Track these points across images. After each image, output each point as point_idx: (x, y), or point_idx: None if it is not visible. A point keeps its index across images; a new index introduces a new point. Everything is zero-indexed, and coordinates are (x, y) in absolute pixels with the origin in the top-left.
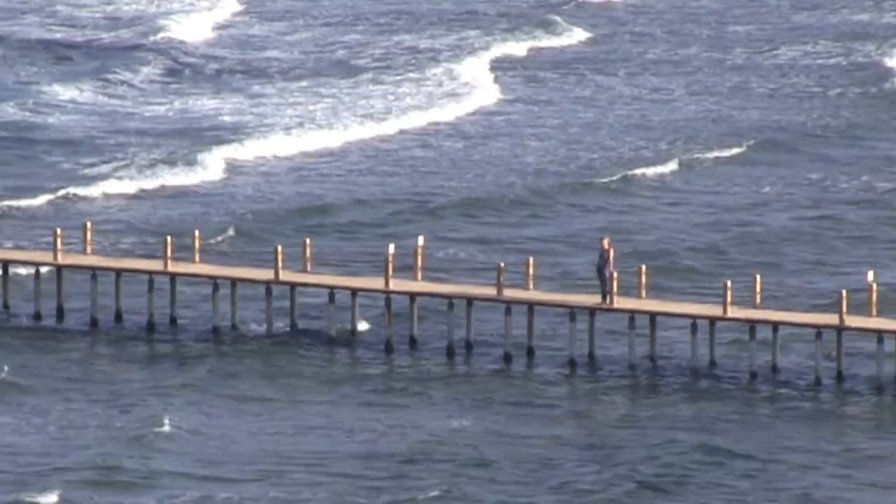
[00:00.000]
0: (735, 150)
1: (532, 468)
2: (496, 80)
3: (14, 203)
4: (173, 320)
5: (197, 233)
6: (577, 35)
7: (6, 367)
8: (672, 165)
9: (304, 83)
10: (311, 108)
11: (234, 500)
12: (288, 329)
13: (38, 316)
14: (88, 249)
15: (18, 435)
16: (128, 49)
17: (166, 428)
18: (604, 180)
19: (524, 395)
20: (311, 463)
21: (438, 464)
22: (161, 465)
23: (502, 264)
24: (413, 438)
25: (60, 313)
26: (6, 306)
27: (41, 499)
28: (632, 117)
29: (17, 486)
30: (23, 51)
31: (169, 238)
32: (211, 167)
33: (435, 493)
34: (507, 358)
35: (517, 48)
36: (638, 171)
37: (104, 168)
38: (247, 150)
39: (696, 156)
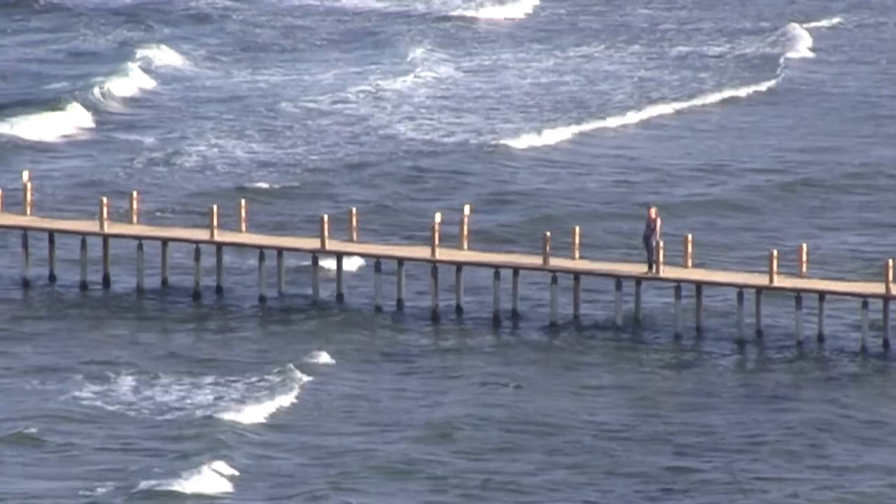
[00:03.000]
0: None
1: (584, 439)
2: None
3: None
4: (219, 289)
5: (243, 202)
6: None
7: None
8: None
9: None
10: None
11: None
12: (333, 298)
13: (84, 285)
14: (135, 219)
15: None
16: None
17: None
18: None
19: (569, 364)
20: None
21: (489, 432)
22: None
23: (548, 233)
24: (451, 411)
25: (107, 282)
26: (52, 277)
27: None
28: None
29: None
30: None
31: (215, 207)
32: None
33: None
34: (553, 327)
35: None
36: None
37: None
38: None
39: None
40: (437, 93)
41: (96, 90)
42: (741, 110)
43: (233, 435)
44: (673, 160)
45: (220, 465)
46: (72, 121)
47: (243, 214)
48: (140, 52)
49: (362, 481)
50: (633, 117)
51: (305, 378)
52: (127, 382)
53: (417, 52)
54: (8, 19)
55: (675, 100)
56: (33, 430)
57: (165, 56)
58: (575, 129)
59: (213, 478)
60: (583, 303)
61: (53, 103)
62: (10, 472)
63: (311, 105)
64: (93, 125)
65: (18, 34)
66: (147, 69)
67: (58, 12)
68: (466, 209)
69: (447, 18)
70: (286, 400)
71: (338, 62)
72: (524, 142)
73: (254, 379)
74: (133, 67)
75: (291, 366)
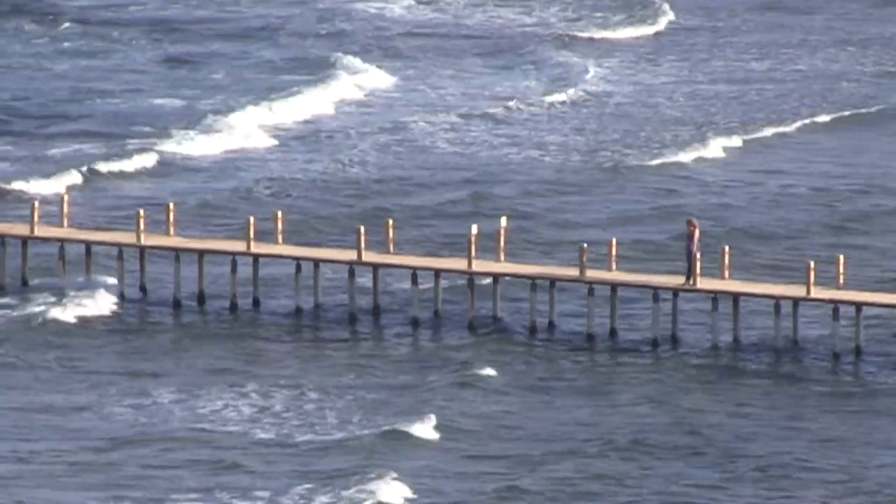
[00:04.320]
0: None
1: (617, 452)
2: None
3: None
4: (256, 302)
5: (279, 213)
6: None
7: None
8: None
9: None
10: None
11: None
12: (370, 310)
13: (122, 296)
14: (171, 230)
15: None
16: None
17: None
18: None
19: (607, 376)
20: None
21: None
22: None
23: (585, 245)
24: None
25: (144, 293)
26: (91, 287)
27: None
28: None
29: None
30: None
31: (251, 219)
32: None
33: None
34: (590, 338)
35: None
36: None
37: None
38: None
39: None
40: (601, 109)
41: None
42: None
43: (405, 450)
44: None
45: (395, 484)
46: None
47: (280, 227)
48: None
49: None
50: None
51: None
52: (310, 398)
53: (572, 68)
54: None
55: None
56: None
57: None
58: (727, 143)
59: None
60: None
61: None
62: None
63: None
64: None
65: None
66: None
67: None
68: (503, 221)
69: (574, 38)
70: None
71: (495, 75)
72: (679, 156)
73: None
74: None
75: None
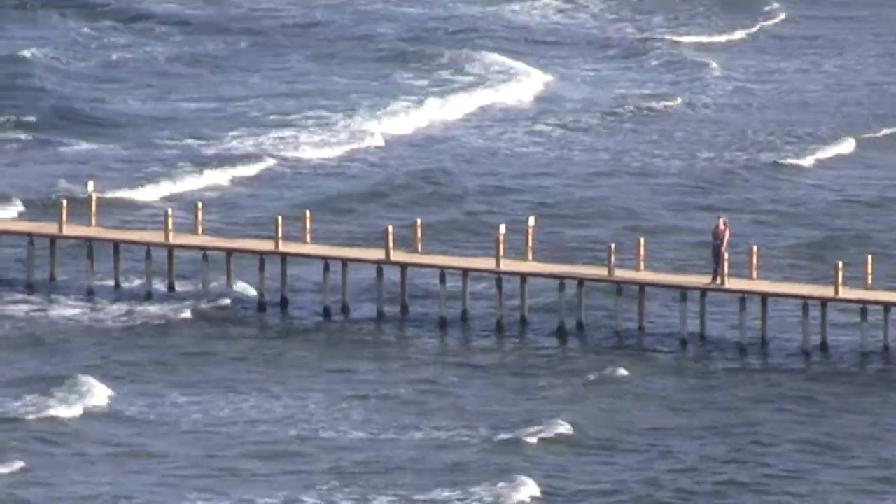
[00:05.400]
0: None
1: (642, 451)
2: None
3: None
4: (284, 301)
5: (308, 213)
6: None
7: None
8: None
9: None
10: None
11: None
12: (398, 310)
13: (148, 295)
14: (199, 229)
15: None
16: None
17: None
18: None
19: (634, 376)
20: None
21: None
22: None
23: (612, 245)
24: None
25: (172, 291)
26: (118, 286)
27: None
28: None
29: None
30: None
31: (279, 218)
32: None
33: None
34: (618, 337)
35: None
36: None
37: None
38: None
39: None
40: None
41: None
42: None
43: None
44: None
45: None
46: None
47: (308, 226)
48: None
49: None
50: None
51: None
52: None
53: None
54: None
55: None
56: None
57: None
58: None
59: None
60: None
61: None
62: None
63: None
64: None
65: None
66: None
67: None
68: (531, 220)
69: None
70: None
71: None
72: (809, 156)
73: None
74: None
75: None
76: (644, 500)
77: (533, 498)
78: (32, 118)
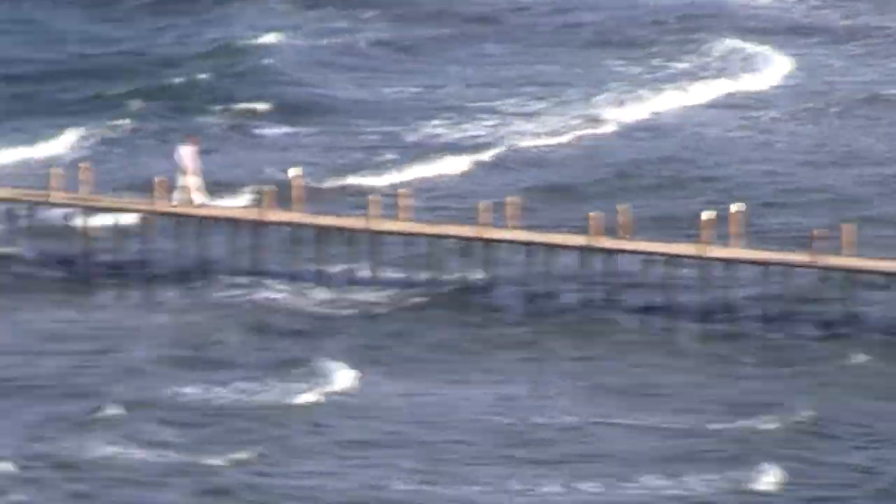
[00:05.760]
0: None
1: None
2: None
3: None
4: (488, 286)
5: (509, 199)
6: None
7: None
8: None
9: None
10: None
11: None
12: (603, 296)
13: (353, 282)
14: (401, 215)
15: None
16: None
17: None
18: None
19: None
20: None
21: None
22: None
23: (815, 231)
24: None
25: (375, 279)
26: (319, 272)
27: None
28: None
29: None
30: None
31: (482, 204)
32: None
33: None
34: (827, 326)
35: None
36: None
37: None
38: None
39: None
40: None
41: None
42: None
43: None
44: None
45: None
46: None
47: (510, 213)
48: None
49: None
50: None
51: None
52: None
53: None
54: None
55: None
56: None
57: None
58: None
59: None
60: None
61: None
62: None
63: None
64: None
65: None
66: None
67: None
68: (733, 207)
69: None
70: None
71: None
72: None
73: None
74: None
75: None
76: None
77: (775, 484)
78: (261, 105)
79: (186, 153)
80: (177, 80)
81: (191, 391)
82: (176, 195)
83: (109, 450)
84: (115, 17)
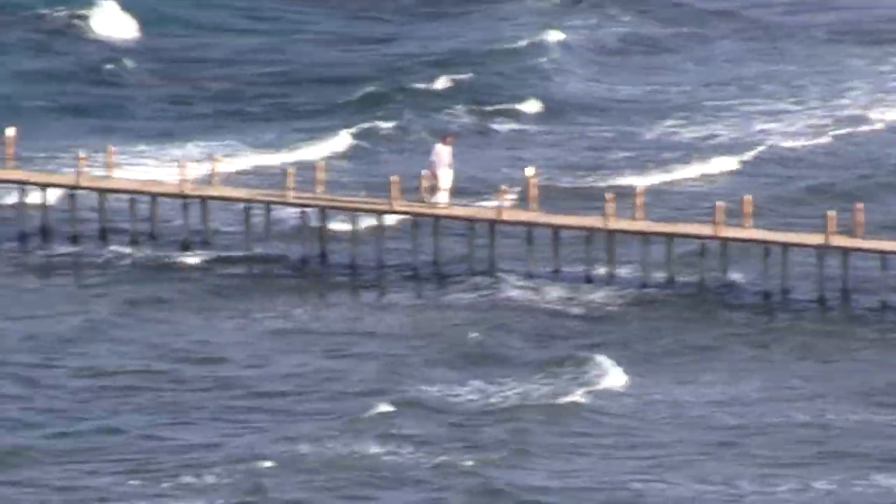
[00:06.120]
0: None
1: None
2: None
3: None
4: (727, 285)
5: (748, 198)
6: None
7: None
8: None
9: None
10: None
11: None
12: (839, 296)
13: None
14: (638, 214)
15: None
16: None
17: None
18: None
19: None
20: None
21: None
22: None
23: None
24: None
25: (611, 278)
26: (555, 272)
27: None
28: None
29: None
30: None
31: (720, 203)
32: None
33: None
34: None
35: None
36: None
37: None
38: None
39: None
40: None
41: None
42: None
43: None
44: None
45: None
46: None
47: (747, 210)
48: None
49: None
50: None
51: None
52: None
53: None
54: None
55: None
56: None
57: None
58: None
59: None
60: None
61: None
62: None
63: None
64: None
65: None
66: None
67: None
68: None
69: None
70: None
71: None
72: None
73: None
74: None
75: None
76: None
77: None
78: (517, 106)
79: (443, 152)
80: (426, 84)
81: (453, 390)
82: (430, 195)
83: (375, 449)
84: (382, 17)
